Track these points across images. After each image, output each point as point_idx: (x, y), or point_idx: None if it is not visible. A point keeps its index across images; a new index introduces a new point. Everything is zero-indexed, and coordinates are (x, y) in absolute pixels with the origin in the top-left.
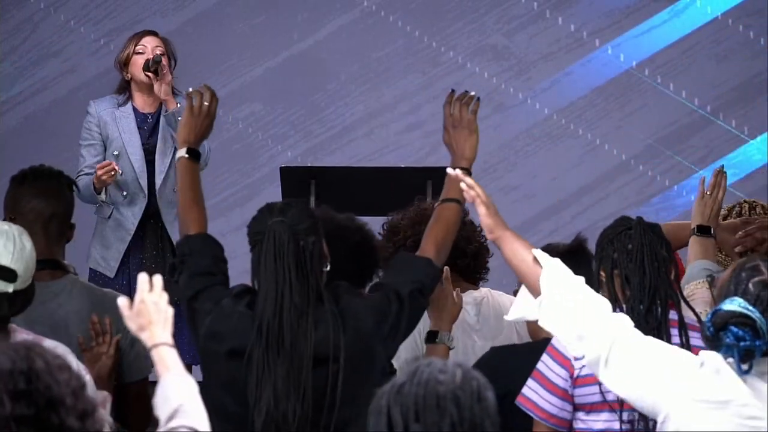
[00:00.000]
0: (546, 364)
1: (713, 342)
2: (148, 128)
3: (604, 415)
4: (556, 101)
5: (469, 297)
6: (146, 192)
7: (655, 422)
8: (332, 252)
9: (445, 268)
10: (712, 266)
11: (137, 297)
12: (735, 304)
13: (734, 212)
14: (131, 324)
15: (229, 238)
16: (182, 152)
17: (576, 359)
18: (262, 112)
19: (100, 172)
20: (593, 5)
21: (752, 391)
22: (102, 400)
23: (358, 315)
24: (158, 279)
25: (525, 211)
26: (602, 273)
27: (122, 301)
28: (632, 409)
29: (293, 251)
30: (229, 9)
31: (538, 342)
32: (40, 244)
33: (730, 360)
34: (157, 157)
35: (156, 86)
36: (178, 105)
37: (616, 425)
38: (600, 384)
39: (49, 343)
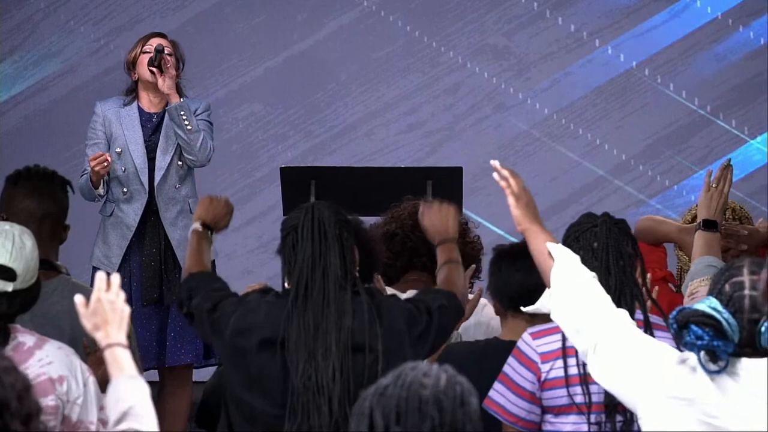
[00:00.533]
0: (512, 367)
1: (677, 339)
2: (152, 126)
3: (572, 417)
4: (556, 101)
5: None
6: (147, 189)
7: (622, 422)
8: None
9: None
10: (717, 262)
11: (93, 295)
12: (705, 304)
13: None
14: (86, 322)
15: (229, 238)
16: (197, 225)
17: (542, 362)
18: (262, 112)
19: (93, 163)
20: (593, 5)
21: (719, 390)
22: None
23: (392, 313)
24: (116, 278)
25: None
26: None
27: (78, 299)
28: (600, 411)
29: (335, 224)
30: (229, 9)
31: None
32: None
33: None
34: (158, 154)
35: (159, 81)
36: (182, 100)
37: (584, 427)
38: (568, 386)
39: (53, 343)
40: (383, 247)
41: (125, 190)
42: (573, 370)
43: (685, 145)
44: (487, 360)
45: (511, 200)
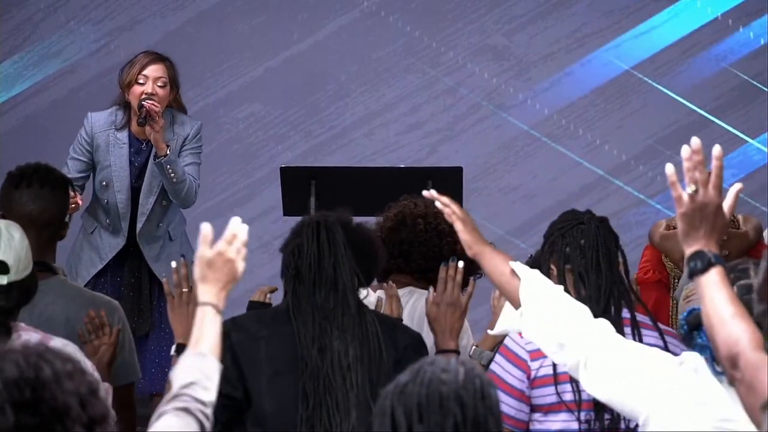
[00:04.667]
0: (501, 366)
1: (687, 341)
2: (139, 165)
3: (562, 416)
4: (556, 101)
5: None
6: (126, 232)
7: (609, 420)
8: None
9: (471, 282)
10: None
11: (218, 245)
12: None
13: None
14: (197, 269)
15: None
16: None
17: (532, 360)
18: (262, 112)
19: None
20: (593, 5)
21: (728, 392)
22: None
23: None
24: (243, 231)
25: (525, 211)
26: (553, 267)
27: (206, 228)
28: (589, 409)
29: (342, 231)
30: (229, 9)
31: None
32: (30, 247)
33: (695, 356)
34: (141, 198)
35: (147, 129)
36: (169, 148)
37: (574, 425)
38: (557, 384)
39: (58, 342)
40: (385, 252)
41: (108, 221)
42: (562, 368)
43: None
44: None
45: (458, 226)
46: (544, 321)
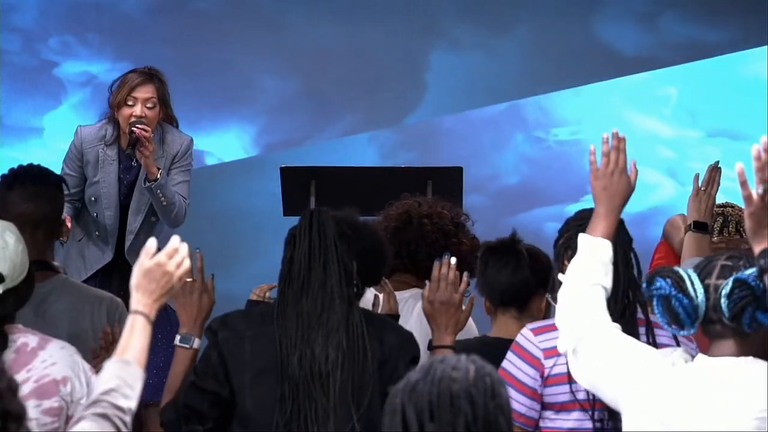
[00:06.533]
0: (513, 363)
1: (645, 291)
2: (128, 182)
3: (575, 414)
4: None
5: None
6: (114, 247)
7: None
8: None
9: (464, 279)
10: None
11: (159, 256)
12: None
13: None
14: (134, 277)
15: None
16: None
17: (546, 358)
18: None
19: None
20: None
21: (698, 387)
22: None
23: (383, 327)
24: (184, 248)
25: (525, 210)
26: (566, 263)
27: (152, 243)
28: (602, 408)
29: (334, 231)
30: (229, 9)
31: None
32: (28, 248)
33: (686, 353)
34: (130, 215)
35: (137, 153)
36: (159, 172)
37: (587, 424)
38: (570, 383)
39: (56, 344)
40: (391, 250)
41: (97, 233)
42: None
43: None
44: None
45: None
46: (565, 303)
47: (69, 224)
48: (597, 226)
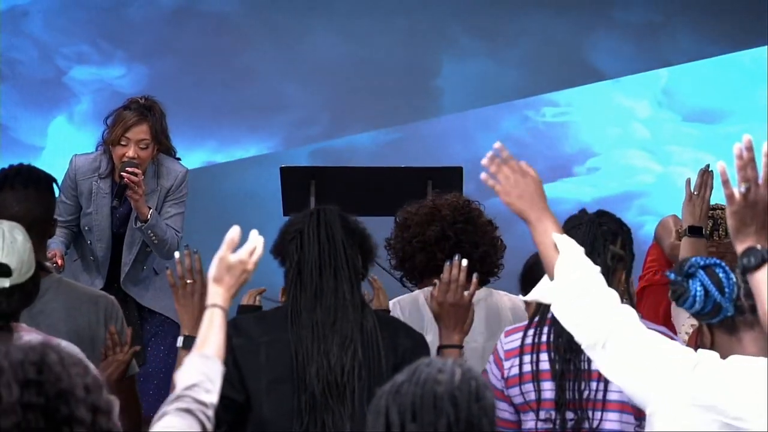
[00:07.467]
0: (489, 364)
1: (677, 285)
2: (122, 215)
3: (531, 415)
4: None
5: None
6: (105, 277)
7: (573, 421)
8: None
9: (473, 280)
10: None
11: (242, 251)
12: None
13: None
14: (215, 269)
15: None
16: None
17: (506, 359)
18: None
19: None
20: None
21: (740, 391)
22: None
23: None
24: (260, 245)
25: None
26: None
27: (235, 231)
28: (550, 408)
29: (342, 233)
30: (229, 9)
31: None
32: None
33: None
34: (124, 248)
35: (129, 193)
36: (150, 212)
37: (543, 424)
38: (521, 385)
39: (61, 343)
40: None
41: (92, 258)
42: (527, 368)
43: None
44: None
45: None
46: (572, 298)
47: (60, 262)
48: (547, 228)
